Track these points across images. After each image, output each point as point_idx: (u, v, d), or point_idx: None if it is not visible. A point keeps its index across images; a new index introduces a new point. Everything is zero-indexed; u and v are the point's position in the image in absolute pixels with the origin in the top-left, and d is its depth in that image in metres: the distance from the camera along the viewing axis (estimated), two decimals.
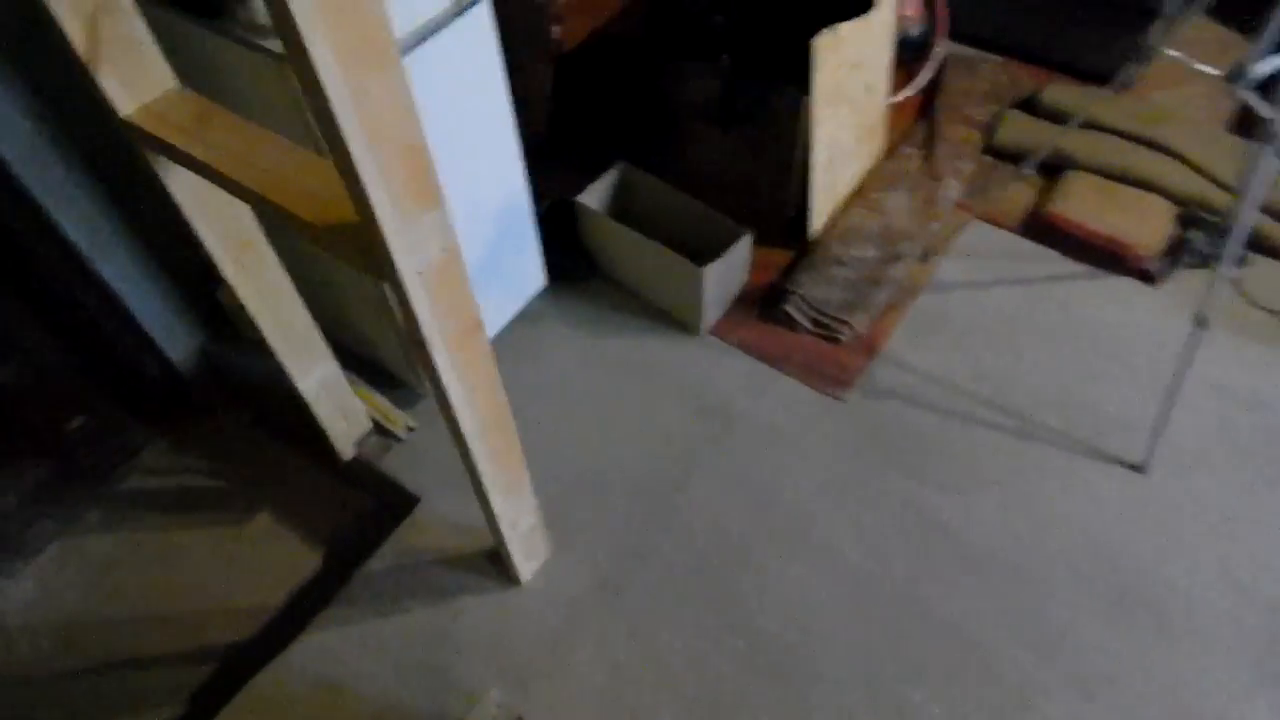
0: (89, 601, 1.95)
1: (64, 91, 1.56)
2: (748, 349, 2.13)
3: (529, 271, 2.15)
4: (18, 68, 1.52)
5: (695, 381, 2.08)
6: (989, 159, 2.51)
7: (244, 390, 2.14)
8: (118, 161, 1.69)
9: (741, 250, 2.11)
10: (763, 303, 2.22)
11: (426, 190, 1.00)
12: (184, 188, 1.32)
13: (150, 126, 1.19)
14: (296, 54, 0.80)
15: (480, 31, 1.62)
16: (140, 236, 1.85)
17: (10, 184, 1.62)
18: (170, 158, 1.23)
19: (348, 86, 0.84)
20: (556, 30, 1.82)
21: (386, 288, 1.08)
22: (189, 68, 1.33)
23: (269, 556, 1.99)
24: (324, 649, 1.73)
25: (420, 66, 1.51)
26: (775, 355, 2.11)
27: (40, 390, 1.86)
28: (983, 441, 1.94)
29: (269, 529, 2.03)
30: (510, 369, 2.17)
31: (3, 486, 1.88)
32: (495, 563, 1.80)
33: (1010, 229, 2.34)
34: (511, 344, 2.16)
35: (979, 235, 2.35)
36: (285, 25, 0.78)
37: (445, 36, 1.53)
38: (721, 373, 2.10)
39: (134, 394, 2.06)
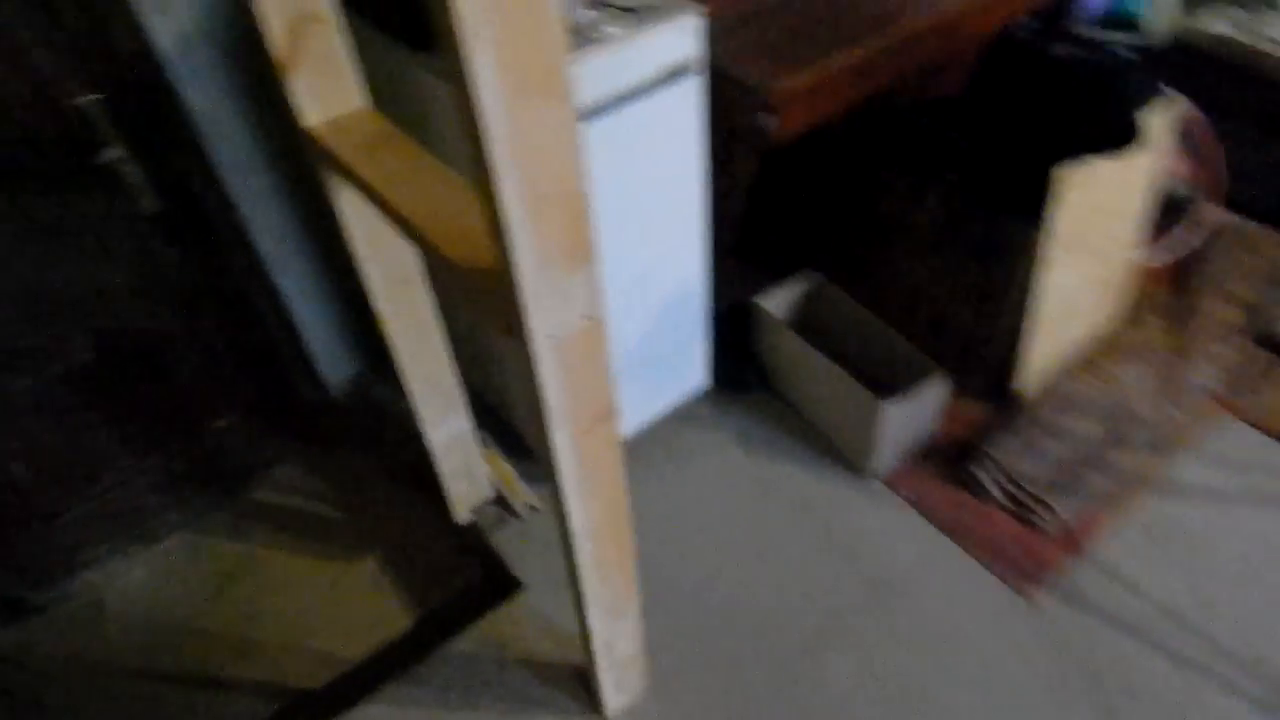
0: (188, 604, 1.93)
1: (280, 103, 1.60)
2: (922, 508, 1.83)
3: (691, 369, 1.98)
4: (247, 76, 1.58)
5: (854, 533, 1.80)
6: (1258, 350, 2.09)
7: (386, 427, 2.10)
8: (314, 181, 1.72)
9: (933, 393, 1.84)
10: (949, 459, 1.91)
11: (578, 247, 0.86)
12: (353, 211, 1.28)
13: (330, 141, 1.15)
14: (457, 67, 0.69)
15: (686, 105, 1.51)
16: (321, 259, 1.88)
17: (219, 187, 1.68)
18: (341, 175, 1.18)
19: (508, 113, 0.72)
20: (769, 120, 1.68)
21: (517, 349, 0.94)
22: (389, 91, 1.30)
23: (364, 605, 1.89)
24: None
25: (618, 128, 1.42)
26: (954, 524, 1.79)
27: (199, 384, 1.89)
28: (1207, 699, 1.51)
29: (373, 577, 1.94)
30: (647, 471, 2.01)
31: (140, 469, 1.91)
32: (583, 683, 1.58)
33: (1278, 437, 1.91)
34: (655, 444, 1.98)
35: (1235, 437, 1.93)
36: (449, 38, 0.67)
37: (649, 102, 1.44)
38: (886, 529, 1.80)
39: (283, 408, 2.06)
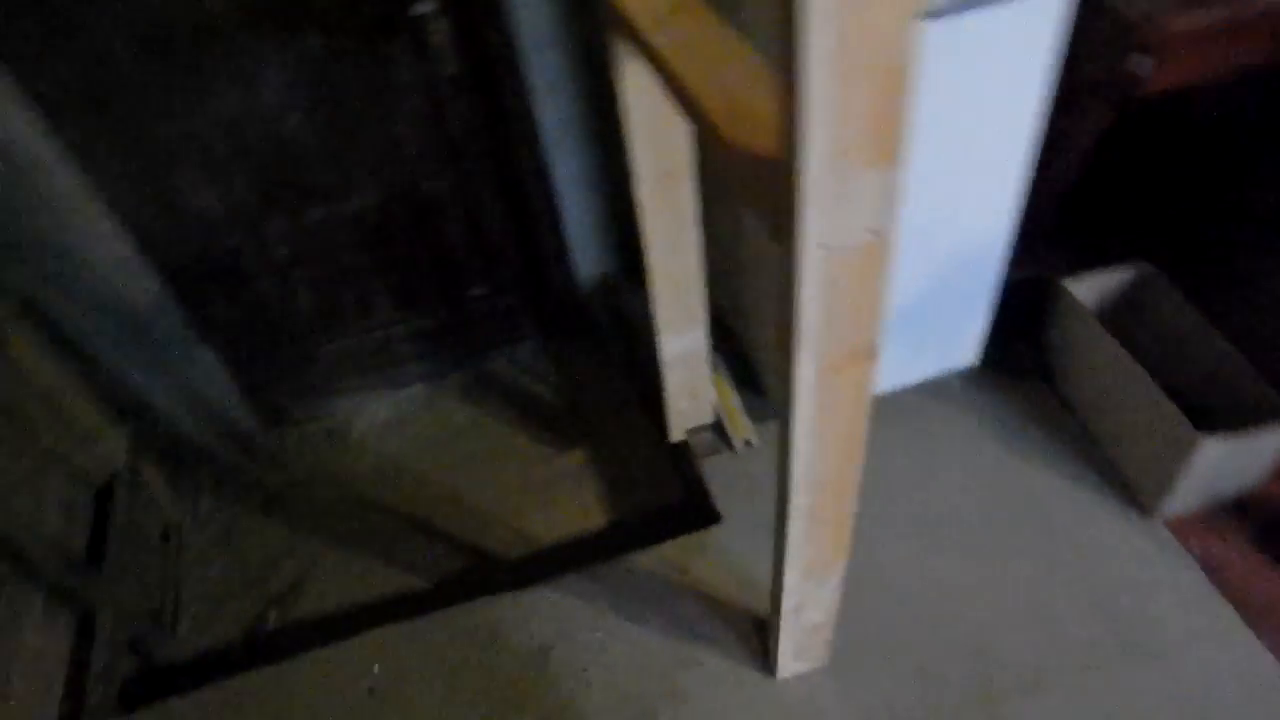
0: (415, 450, 2.05)
1: None
2: (1214, 573, 1.49)
3: (961, 339, 1.74)
4: None
5: (1115, 577, 1.51)
6: None
7: (624, 331, 2.07)
8: (601, 70, 1.66)
9: (1275, 439, 1.46)
10: (1268, 525, 1.53)
11: (884, 140, 0.70)
12: (634, 87, 1.19)
13: (626, 5, 1.06)
14: None
15: (1041, 26, 1.25)
16: (596, 154, 1.83)
17: (517, 60, 1.66)
18: (630, 42, 1.09)
19: None
20: (1144, 65, 1.37)
21: (779, 257, 0.81)
22: None
23: (564, 493, 1.91)
24: (550, 613, 1.58)
25: (951, 38, 1.20)
26: (1254, 602, 1.44)
27: (464, 250, 1.96)
28: None
29: (579, 470, 1.95)
30: (884, 440, 1.79)
31: (399, 318, 2.03)
32: (759, 637, 1.47)
33: None
34: (899, 412, 1.77)
35: None
36: None
37: (995, 13, 1.20)
38: (1158, 584, 1.49)
39: (533, 291, 2.10)
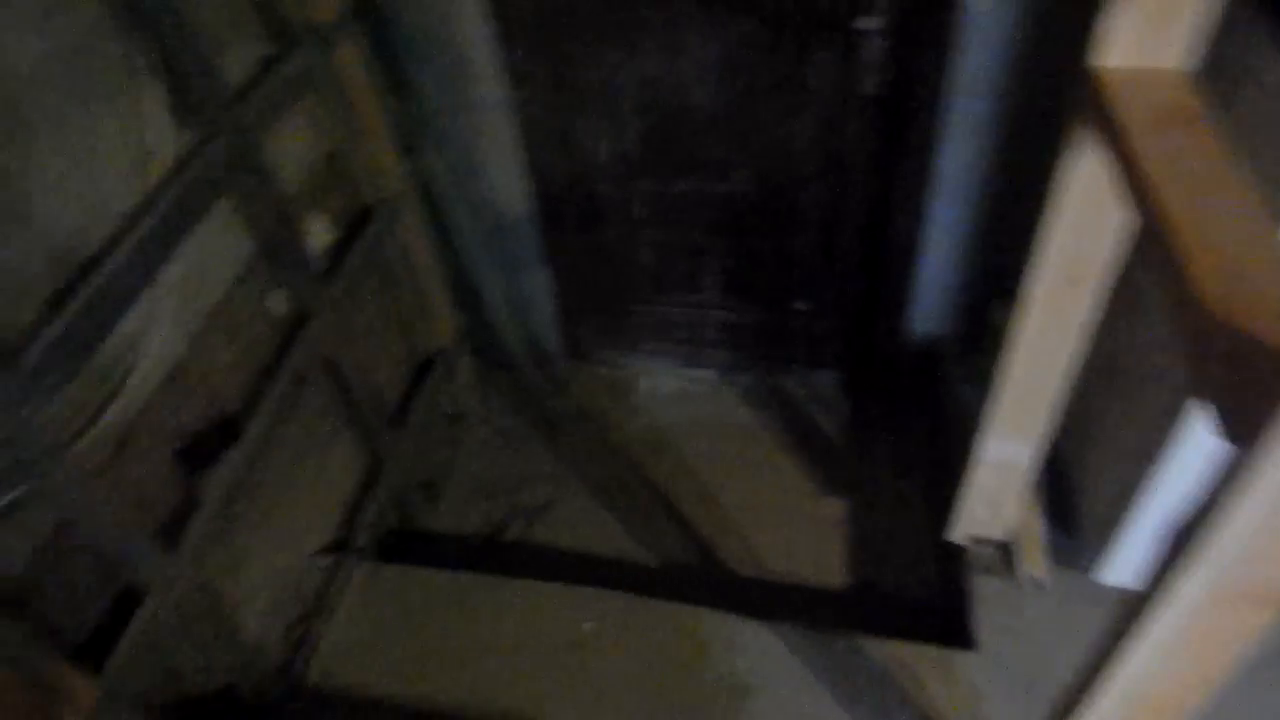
0: (686, 431, 2.08)
1: (1064, 34, 1.36)
2: None
3: None
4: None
5: None
6: None
7: (942, 402, 1.92)
8: (1031, 132, 1.50)
9: None
10: None
11: None
12: (1080, 180, 1.04)
13: (1114, 91, 0.92)
14: None
15: None
16: (981, 218, 1.68)
17: (940, 95, 1.55)
18: (1099, 133, 0.95)
19: None
20: None
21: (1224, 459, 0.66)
22: (1230, 63, 1.00)
23: (811, 539, 1.84)
24: (764, 655, 1.53)
25: None
26: None
27: (806, 262, 1.90)
28: None
29: (834, 520, 1.87)
30: None
31: (722, 303, 2.03)
32: None
33: None
34: None
35: None
36: None
37: None
38: None
39: (857, 325, 2.00)
